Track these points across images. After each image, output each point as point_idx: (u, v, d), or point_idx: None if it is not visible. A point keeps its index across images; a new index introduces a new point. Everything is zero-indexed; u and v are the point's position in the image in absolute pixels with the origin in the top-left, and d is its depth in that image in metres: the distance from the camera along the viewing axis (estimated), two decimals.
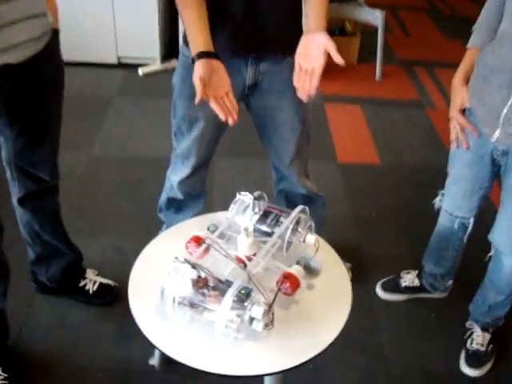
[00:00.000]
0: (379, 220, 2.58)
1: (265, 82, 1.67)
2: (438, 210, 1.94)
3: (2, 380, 1.73)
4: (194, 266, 1.20)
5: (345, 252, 2.31)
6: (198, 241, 1.32)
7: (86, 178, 2.76)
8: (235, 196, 1.43)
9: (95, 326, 1.98)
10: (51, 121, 1.65)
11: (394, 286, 2.16)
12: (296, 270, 1.28)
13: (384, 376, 1.88)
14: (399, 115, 3.48)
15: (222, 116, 1.40)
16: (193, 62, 1.42)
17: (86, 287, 2.01)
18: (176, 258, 1.21)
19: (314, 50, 1.44)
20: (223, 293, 1.16)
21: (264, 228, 1.38)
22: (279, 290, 1.25)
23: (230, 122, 1.42)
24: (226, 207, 1.42)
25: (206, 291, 1.18)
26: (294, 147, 1.79)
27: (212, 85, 1.41)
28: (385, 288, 2.17)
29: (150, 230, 1.94)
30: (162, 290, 1.18)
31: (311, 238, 1.38)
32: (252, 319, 1.16)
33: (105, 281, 2.06)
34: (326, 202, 2.04)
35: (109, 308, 2.02)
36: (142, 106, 3.42)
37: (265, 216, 1.40)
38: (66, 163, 2.70)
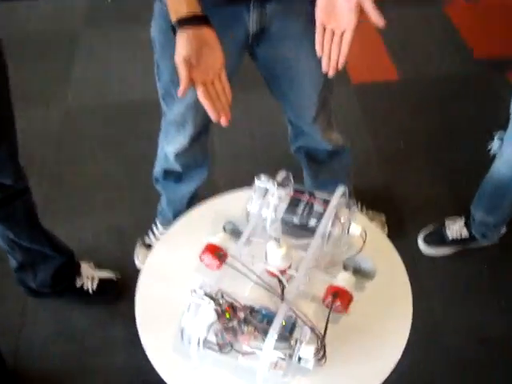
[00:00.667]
0: (408, 153, 2.22)
1: (274, 26, 1.26)
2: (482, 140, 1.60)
3: None
4: (216, 298, 0.90)
5: (373, 199, 2.01)
6: (215, 251, 1.03)
7: (63, 139, 2.35)
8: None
9: (102, 332, 1.70)
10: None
11: (439, 239, 1.86)
12: (345, 281, 0.99)
13: (439, 350, 1.64)
14: (414, 18, 2.98)
15: (213, 116, 1.06)
16: (173, 31, 1.04)
17: (85, 287, 1.72)
18: (194, 292, 0.89)
19: (343, 3, 1.07)
20: (259, 327, 0.88)
21: (295, 221, 1.05)
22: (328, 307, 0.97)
23: (223, 122, 1.07)
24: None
25: (235, 325, 0.89)
26: (316, 102, 1.42)
27: (201, 64, 1.05)
28: (428, 241, 1.87)
29: (148, 197, 1.66)
30: (182, 330, 0.90)
31: (356, 228, 1.06)
32: (300, 358, 0.88)
33: (105, 274, 1.77)
34: (351, 152, 1.71)
35: (115, 307, 1.73)
36: (115, 37, 2.90)
37: (293, 205, 1.07)
38: (37, 124, 2.36)
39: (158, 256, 1.18)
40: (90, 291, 1.71)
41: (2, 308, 1.75)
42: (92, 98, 2.55)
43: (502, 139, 1.54)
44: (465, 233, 1.83)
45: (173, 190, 1.72)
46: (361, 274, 1.05)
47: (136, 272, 1.12)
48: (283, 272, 1.01)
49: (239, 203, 1.13)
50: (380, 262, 1.07)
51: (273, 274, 1.01)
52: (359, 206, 1.91)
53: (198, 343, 0.89)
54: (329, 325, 0.94)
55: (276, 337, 0.85)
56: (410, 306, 1.06)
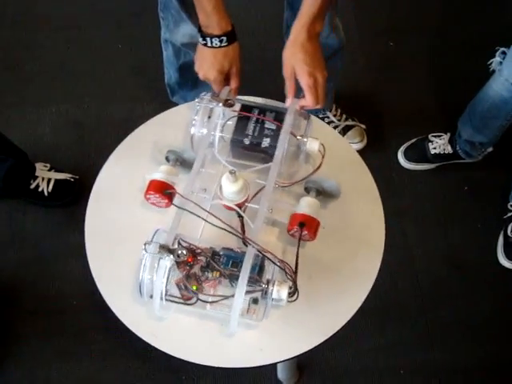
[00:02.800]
0: (397, 54, 2.01)
1: None
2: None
3: None
4: (174, 249, 0.78)
5: (354, 105, 1.85)
6: (161, 188, 0.90)
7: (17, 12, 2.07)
8: None
9: (59, 237, 1.61)
10: None
11: (420, 153, 1.75)
12: (310, 207, 0.89)
13: (410, 272, 1.60)
14: None
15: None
16: (204, 40, 1.03)
17: (39, 189, 1.60)
18: (145, 246, 0.77)
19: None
20: (224, 272, 0.79)
21: (246, 142, 0.93)
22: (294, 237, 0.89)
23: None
24: None
25: (197, 272, 0.80)
26: None
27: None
28: (409, 156, 1.77)
29: (115, 88, 1.50)
30: (140, 285, 0.78)
31: (314, 143, 0.93)
32: (273, 299, 0.80)
33: (61, 176, 1.64)
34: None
35: (71, 210, 1.63)
36: None
37: (242, 124, 0.94)
38: None
39: (103, 183, 1.01)
40: (46, 193, 1.59)
41: None
42: None
43: (504, 56, 1.40)
44: (448, 149, 1.73)
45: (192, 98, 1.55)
46: (324, 195, 0.95)
47: (95, 173, 1.00)
48: (241, 205, 0.89)
49: (177, 126, 1.02)
50: (347, 178, 0.97)
51: (230, 208, 0.89)
52: (339, 112, 1.77)
53: (162, 298, 0.78)
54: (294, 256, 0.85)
55: (246, 283, 0.76)
56: (383, 226, 0.96)
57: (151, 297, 0.78)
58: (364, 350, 1.51)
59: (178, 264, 0.78)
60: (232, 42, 1.04)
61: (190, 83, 1.60)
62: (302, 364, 1.47)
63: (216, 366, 0.85)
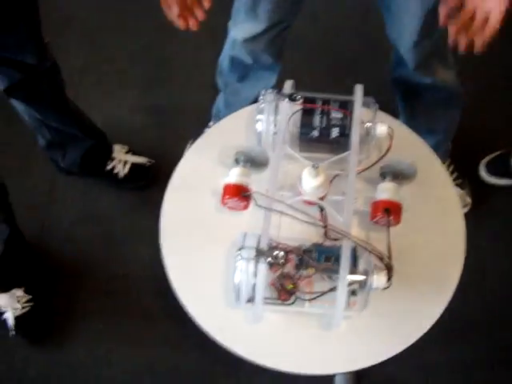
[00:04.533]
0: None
1: None
2: None
3: (27, 303, 1.51)
4: (269, 250, 0.82)
5: None
6: (238, 191, 0.92)
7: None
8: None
9: (131, 220, 1.66)
10: None
11: (503, 167, 1.69)
12: (389, 192, 0.91)
13: (480, 287, 1.57)
14: None
15: (179, 24, 0.97)
16: None
17: (115, 170, 1.66)
18: (241, 252, 0.82)
19: None
20: (319, 267, 0.82)
21: (315, 134, 0.94)
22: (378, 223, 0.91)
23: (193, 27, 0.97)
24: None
25: (291, 272, 0.83)
26: (420, 22, 1.15)
27: None
28: (491, 169, 1.70)
29: (198, 76, 1.51)
30: (238, 290, 0.83)
31: (383, 127, 0.95)
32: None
33: (138, 160, 1.69)
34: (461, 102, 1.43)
35: (145, 194, 1.68)
36: None
37: (308, 116, 0.95)
38: None
39: (177, 194, 1.02)
40: (121, 175, 1.66)
41: (30, 183, 1.70)
42: None
43: None
44: None
45: (235, 89, 1.54)
46: (400, 177, 0.95)
47: (171, 159, 1.04)
48: (322, 199, 0.92)
49: (240, 127, 1.04)
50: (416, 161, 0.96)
51: (311, 203, 0.92)
52: (450, 169, 1.66)
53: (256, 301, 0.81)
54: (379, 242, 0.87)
55: (348, 276, 0.79)
56: (460, 212, 0.98)
57: (248, 301, 0.82)
58: (425, 364, 1.49)
59: (271, 265, 0.81)
60: None
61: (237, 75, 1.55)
62: (360, 374, 1.47)
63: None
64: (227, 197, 0.91)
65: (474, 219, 1.55)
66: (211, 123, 1.71)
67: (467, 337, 1.53)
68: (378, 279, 0.81)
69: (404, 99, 1.45)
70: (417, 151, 1.04)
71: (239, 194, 0.91)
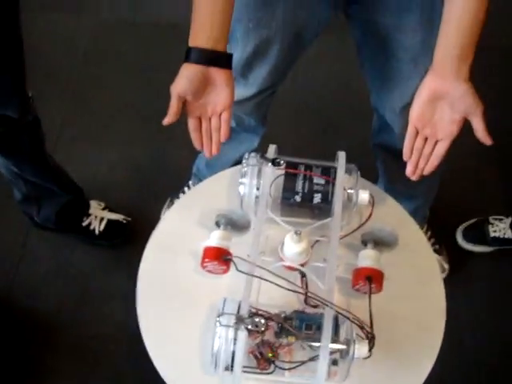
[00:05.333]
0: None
1: None
2: None
3: None
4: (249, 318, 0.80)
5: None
6: (218, 255, 0.90)
7: (90, 53, 2.13)
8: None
9: (105, 278, 1.62)
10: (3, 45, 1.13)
11: (479, 235, 1.72)
12: (371, 259, 0.92)
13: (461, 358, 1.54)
14: None
15: (197, 145, 0.97)
16: (186, 53, 0.90)
17: (91, 227, 1.63)
18: (220, 319, 0.80)
19: (445, 112, 0.92)
20: (300, 335, 0.80)
21: (297, 199, 0.95)
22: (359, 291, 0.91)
23: (207, 154, 0.97)
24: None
25: (270, 339, 0.81)
26: (413, 87, 1.08)
27: (200, 99, 0.93)
28: (467, 237, 1.73)
29: (172, 135, 1.51)
30: (215, 358, 0.80)
31: (365, 194, 0.96)
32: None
33: (114, 216, 1.67)
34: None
35: (121, 251, 1.65)
36: None
37: (290, 181, 0.95)
38: (65, 32, 2.19)
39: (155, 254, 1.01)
40: (97, 232, 1.63)
41: (3, 236, 1.67)
42: (128, 13, 2.27)
43: None
44: (509, 234, 1.69)
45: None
46: (381, 244, 0.95)
47: (149, 217, 1.04)
48: (303, 265, 0.92)
49: (221, 189, 1.05)
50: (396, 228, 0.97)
51: (292, 269, 0.91)
52: (428, 234, 1.68)
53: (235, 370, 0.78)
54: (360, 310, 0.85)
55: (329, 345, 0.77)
56: (440, 282, 0.99)
57: (226, 369, 0.79)
58: None
59: (250, 332, 0.79)
60: (207, 63, 0.90)
61: None
62: None
63: None
64: (207, 260, 0.90)
65: (450, 285, 1.50)
66: (191, 182, 1.70)
67: None
68: (360, 349, 0.79)
69: (384, 164, 1.47)
70: (396, 218, 1.05)
71: (219, 257, 0.90)
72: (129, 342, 1.49)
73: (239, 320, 0.78)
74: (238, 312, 0.80)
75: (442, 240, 1.69)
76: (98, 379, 1.49)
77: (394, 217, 1.05)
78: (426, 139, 0.96)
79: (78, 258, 1.66)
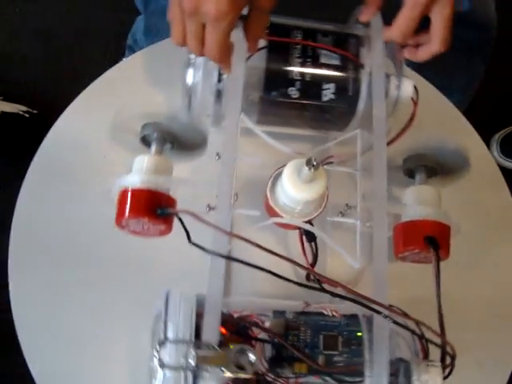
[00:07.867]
0: None
1: None
2: None
3: None
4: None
5: None
6: (150, 206, 0.45)
7: None
8: None
9: None
10: None
11: None
12: (431, 204, 0.50)
13: None
14: None
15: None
16: None
17: None
18: (158, 353, 0.38)
19: None
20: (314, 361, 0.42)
21: (292, 94, 0.51)
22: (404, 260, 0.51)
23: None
24: None
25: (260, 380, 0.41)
26: None
27: None
28: (506, 151, 1.27)
29: None
30: None
31: (408, 82, 0.52)
32: None
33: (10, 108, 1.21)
34: None
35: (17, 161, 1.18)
36: None
37: (279, 57, 0.51)
38: None
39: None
40: None
41: None
42: None
43: None
44: None
45: (162, 7, 1.07)
46: (442, 173, 0.54)
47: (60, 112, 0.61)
48: (310, 222, 0.50)
49: (158, 75, 0.60)
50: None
51: (288, 227, 0.52)
52: None
53: None
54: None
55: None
56: None
57: None
58: None
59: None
60: None
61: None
62: None
63: None
64: (128, 215, 0.45)
65: None
66: (124, 59, 1.22)
67: None
68: (431, 379, 0.41)
69: None
70: (453, 126, 0.62)
71: (152, 209, 0.45)
72: None
73: (202, 357, 0.37)
74: (199, 329, 0.39)
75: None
76: None
77: (450, 124, 0.62)
78: None
79: None
